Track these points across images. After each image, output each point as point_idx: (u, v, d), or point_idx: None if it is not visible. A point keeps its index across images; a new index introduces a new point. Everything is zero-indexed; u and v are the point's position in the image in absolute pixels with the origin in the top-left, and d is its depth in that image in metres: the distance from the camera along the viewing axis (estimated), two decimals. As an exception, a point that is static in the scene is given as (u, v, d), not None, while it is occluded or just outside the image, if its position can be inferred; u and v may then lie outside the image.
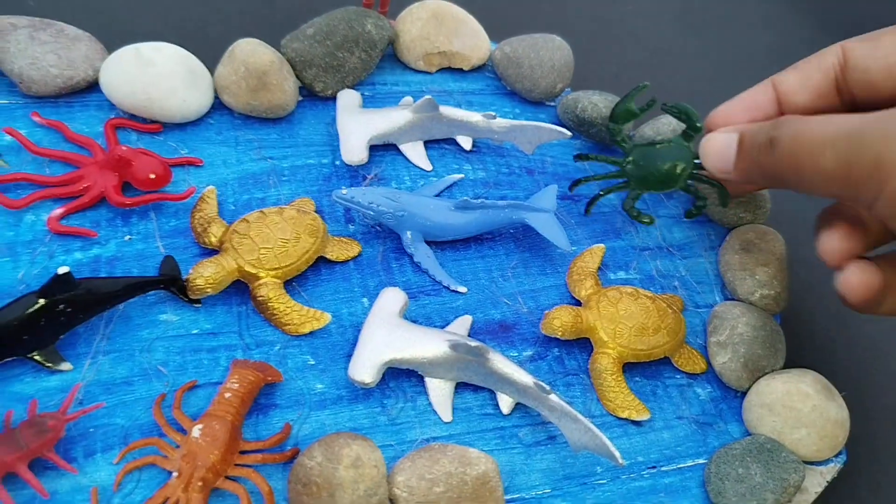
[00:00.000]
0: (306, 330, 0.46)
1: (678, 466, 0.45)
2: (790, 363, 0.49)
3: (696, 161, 0.50)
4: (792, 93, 0.44)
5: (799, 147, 0.37)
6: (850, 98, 0.43)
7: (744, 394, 0.48)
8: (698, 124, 0.49)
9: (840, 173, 0.36)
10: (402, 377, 0.45)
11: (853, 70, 0.42)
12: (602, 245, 0.53)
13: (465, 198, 0.49)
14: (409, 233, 0.50)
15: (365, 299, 0.48)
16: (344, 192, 0.48)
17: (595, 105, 0.57)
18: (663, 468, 0.45)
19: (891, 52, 0.41)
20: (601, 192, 0.53)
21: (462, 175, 0.55)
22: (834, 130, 0.36)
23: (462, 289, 0.49)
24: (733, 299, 0.52)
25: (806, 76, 0.44)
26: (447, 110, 0.54)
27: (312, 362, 0.45)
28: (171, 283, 0.45)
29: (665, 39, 0.76)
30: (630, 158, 0.51)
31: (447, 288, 0.49)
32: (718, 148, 0.43)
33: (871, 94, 0.42)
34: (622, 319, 0.47)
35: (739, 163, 0.42)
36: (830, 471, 0.46)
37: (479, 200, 0.49)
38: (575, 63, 0.60)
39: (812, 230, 0.44)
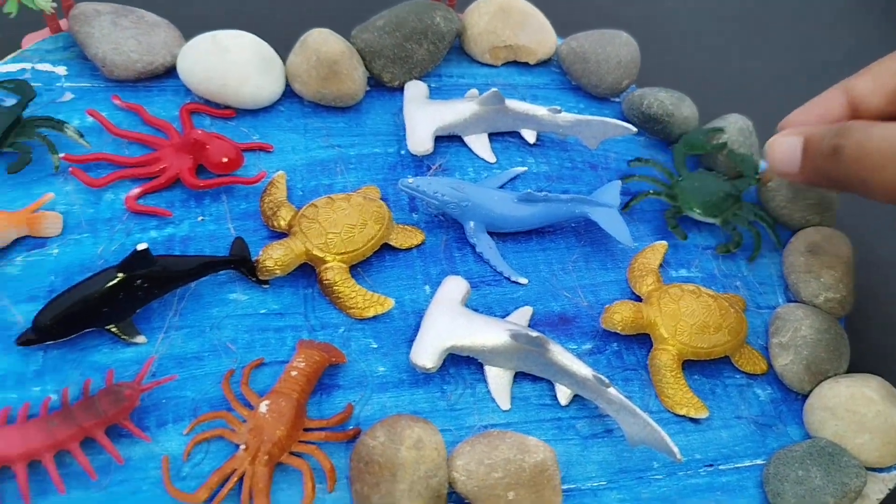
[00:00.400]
0: (370, 314, 0.47)
1: (736, 466, 0.45)
2: (854, 368, 0.49)
3: (746, 203, 0.55)
4: (865, 97, 0.43)
5: (863, 157, 0.37)
6: None
7: (805, 396, 0.48)
8: (752, 178, 0.54)
9: None
10: (462, 364, 0.46)
11: None
12: (664, 242, 0.53)
13: (529, 190, 0.50)
14: (472, 223, 0.50)
15: (427, 287, 0.49)
16: (410, 181, 0.49)
17: (661, 102, 0.56)
18: (721, 467, 0.45)
19: None
20: (649, 192, 0.54)
21: (525, 168, 0.55)
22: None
23: (523, 280, 0.50)
24: (796, 301, 0.52)
25: (879, 80, 0.43)
26: (513, 103, 0.55)
27: (375, 346, 0.46)
28: (241, 263, 0.47)
29: (732, 37, 0.75)
30: (682, 179, 0.54)
31: (508, 279, 0.50)
32: (784, 150, 0.43)
33: None
34: (683, 316, 0.47)
35: (804, 167, 0.42)
36: (893, 478, 0.45)
37: (543, 194, 0.50)
38: (640, 56, 0.60)
39: (880, 232, 0.44)
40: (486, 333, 0.44)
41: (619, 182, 0.52)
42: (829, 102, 0.45)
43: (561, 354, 0.44)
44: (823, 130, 0.41)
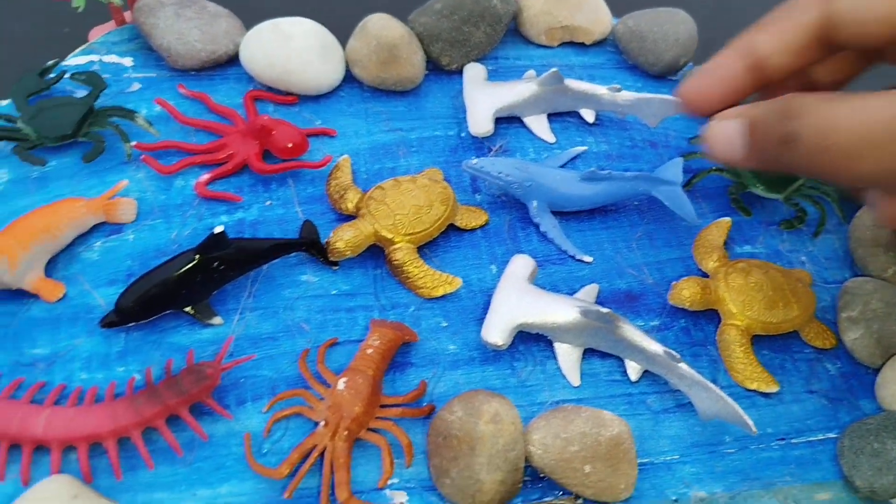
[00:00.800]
0: (439, 293, 0.47)
1: (808, 440, 0.45)
2: (925, 341, 0.48)
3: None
4: (770, 55, 0.39)
5: (828, 146, 0.32)
6: (832, 52, 0.39)
7: (876, 370, 0.48)
8: None
9: (889, 175, 0.31)
10: (532, 341, 0.46)
11: (843, 23, 0.37)
12: (728, 219, 0.53)
13: (593, 168, 0.50)
14: (535, 202, 0.51)
15: (493, 266, 0.49)
16: (474, 162, 0.49)
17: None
18: (793, 441, 0.45)
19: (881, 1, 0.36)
20: (712, 170, 0.54)
21: (585, 147, 0.55)
22: (869, 125, 0.30)
23: (587, 258, 0.50)
24: (863, 275, 0.51)
25: (784, 36, 0.38)
26: (572, 83, 0.55)
27: (445, 324, 0.46)
28: (311, 245, 0.48)
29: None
30: None
31: (573, 258, 0.50)
32: (724, 138, 0.37)
33: (862, 42, 0.37)
34: (751, 291, 0.47)
35: (751, 156, 0.37)
36: (969, 451, 0.45)
37: (606, 172, 0.50)
38: (698, 33, 0.60)
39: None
40: (555, 310, 0.45)
41: (681, 159, 0.52)
42: (731, 63, 0.39)
43: (630, 331, 0.44)
44: (767, 112, 0.35)
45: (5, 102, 0.53)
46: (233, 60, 0.57)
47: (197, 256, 0.43)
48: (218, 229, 0.43)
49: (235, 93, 0.56)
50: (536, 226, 0.51)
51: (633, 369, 0.45)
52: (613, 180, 0.50)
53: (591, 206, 0.52)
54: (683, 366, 0.43)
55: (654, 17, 0.59)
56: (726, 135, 0.37)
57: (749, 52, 0.39)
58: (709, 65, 0.40)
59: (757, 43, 0.39)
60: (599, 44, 0.62)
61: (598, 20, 0.61)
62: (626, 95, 0.54)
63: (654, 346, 0.44)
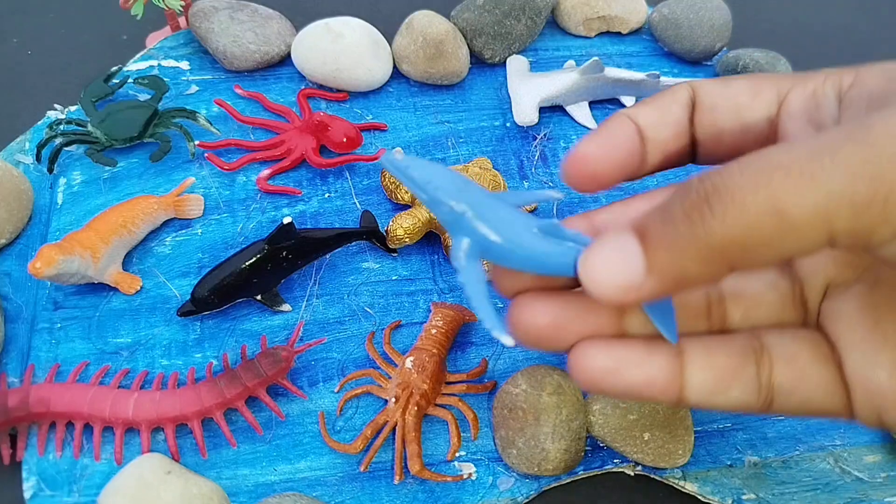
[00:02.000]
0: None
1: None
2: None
3: None
4: (652, 127, 0.33)
5: (757, 190, 0.23)
6: (694, 141, 0.34)
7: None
8: None
9: (841, 209, 0.22)
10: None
11: (701, 107, 0.33)
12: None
13: (556, 221, 0.30)
14: (465, 241, 0.29)
15: (544, 249, 0.51)
16: (398, 155, 0.30)
17: (757, 61, 0.58)
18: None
19: (740, 93, 0.33)
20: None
21: (562, 195, 0.32)
22: (811, 152, 0.23)
23: (508, 341, 0.28)
24: None
25: (665, 110, 0.34)
26: (613, 71, 0.57)
27: (501, 305, 0.49)
28: (372, 234, 0.50)
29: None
30: None
31: (489, 331, 0.32)
32: (613, 267, 0.26)
33: (713, 137, 0.33)
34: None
35: (656, 263, 0.25)
36: None
37: (574, 231, 0.29)
38: (732, 19, 0.61)
39: None
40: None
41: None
42: (618, 129, 0.32)
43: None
44: (670, 211, 0.25)
45: (74, 108, 0.55)
46: (284, 60, 0.59)
47: (266, 247, 0.46)
48: (287, 220, 0.45)
49: (289, 91, 0.58)
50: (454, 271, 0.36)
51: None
52: (578, 244, 0.29)
53: (540, 270, 0.29)
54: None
55: (689, 4, 0.61)
56: (613, 264, 0.26)
57: (633, 121, 0.33)
58: (598, 130, 0.33)
59: (640, 114, 0.33)
60: (635, 32, 0.64)
61: (633, 9, 0.63)
62: (667, 81, 0.56)
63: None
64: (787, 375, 0.29)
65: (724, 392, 0.30)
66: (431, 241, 0.51)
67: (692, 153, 0.34)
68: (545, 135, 0.57)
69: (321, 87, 0.58)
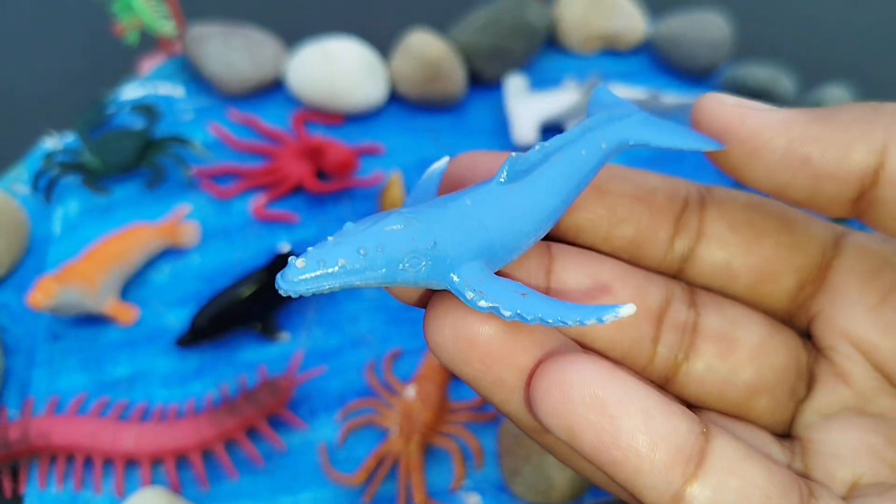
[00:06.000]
0: (496, 300, 0.49)
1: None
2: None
3: None
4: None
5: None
6: None
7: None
8: None
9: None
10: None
11: None
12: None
13: (512, 153, 0.20)
14: (467, 267, 0.19)
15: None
16: (299, 263, 0.18)
17: (756, 78, 0.57)
18: None
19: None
20: None
21: (447, 158, 0.25)
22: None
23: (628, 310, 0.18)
24: None
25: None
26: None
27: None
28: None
29: (826, 4, 0.75)
30: None
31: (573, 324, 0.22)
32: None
33: None
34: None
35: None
36: None
37: (538, 146, 0.22)
38: (732, 34, 0.61)
39: None
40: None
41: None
42: None
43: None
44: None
45: (69, 134, 0.55)
46: (279, 83, 0.59)
47: (265, 276, 0.45)
48: (285, 248, 0.45)
49: (284, 115, 0.58)
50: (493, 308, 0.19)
51: None
52: (554, 159, 0.20)
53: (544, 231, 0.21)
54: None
55: (689, 21, 0.61)
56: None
57: None
58: None
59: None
60: (635, 50, 0.64)
61: (632, 27, 0.62)
62: (667, 98, 0.56)
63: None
64: None
65: None
66: (432, 265, 0.50)
67: None
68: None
69: (317, 110, 0.58)
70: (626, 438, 0.17)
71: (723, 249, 0.22)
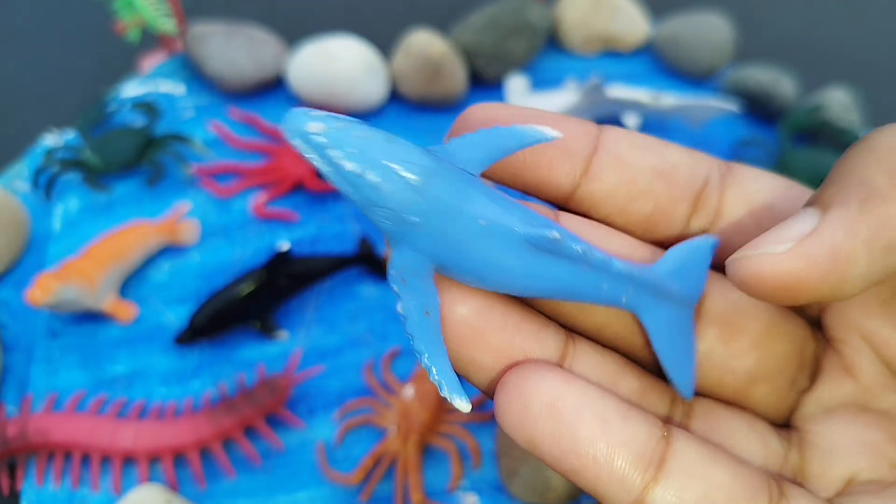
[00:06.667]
0: (495, 300, 0.49)
1: None
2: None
3: None
4: None
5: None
6: None
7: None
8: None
9: None
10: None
11: None
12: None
13: (555, 234, 0.18)
14: (410, 255, 0.18)
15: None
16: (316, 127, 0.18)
17: (757, 80, 0.57)
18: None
19: None
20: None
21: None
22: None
23: (464, 405, 0.19)
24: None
25: None
26: (614, 91, 0.56)
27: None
28: (369, 260, 0.49)
29: (828, 7, 0.75)
30: (789, 158, 0.55)
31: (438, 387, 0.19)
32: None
33: None
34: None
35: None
36: None
37: (579, 248, 0.18)
38: (734, 36, 0.61)
39: None
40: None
41: (713, 240, 0.21)
42: None
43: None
44: None
45: (69, 131, 0.55)
46: (280, 82, 0.59)
47: (265, 274, 0.45)
48: (285, 246, 0.45)
49: (285, 113, 0.58)
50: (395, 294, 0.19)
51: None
52: (579, 264, 0.18)
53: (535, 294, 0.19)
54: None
55: (690, 22, 0.60)
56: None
57: None
58: None
59: None
60: (636, 51, 0.64)
61: (634, 28, 0.62)
62: (668, 100, 0.56)
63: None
64: None
65: None
66: (431, 265, 0.50)
67: None
68: (545, 155, 0.57)
69: (317, 108, 0.58)
70: (584, 446, 0.18)
71: (739, 233, 0.22)
